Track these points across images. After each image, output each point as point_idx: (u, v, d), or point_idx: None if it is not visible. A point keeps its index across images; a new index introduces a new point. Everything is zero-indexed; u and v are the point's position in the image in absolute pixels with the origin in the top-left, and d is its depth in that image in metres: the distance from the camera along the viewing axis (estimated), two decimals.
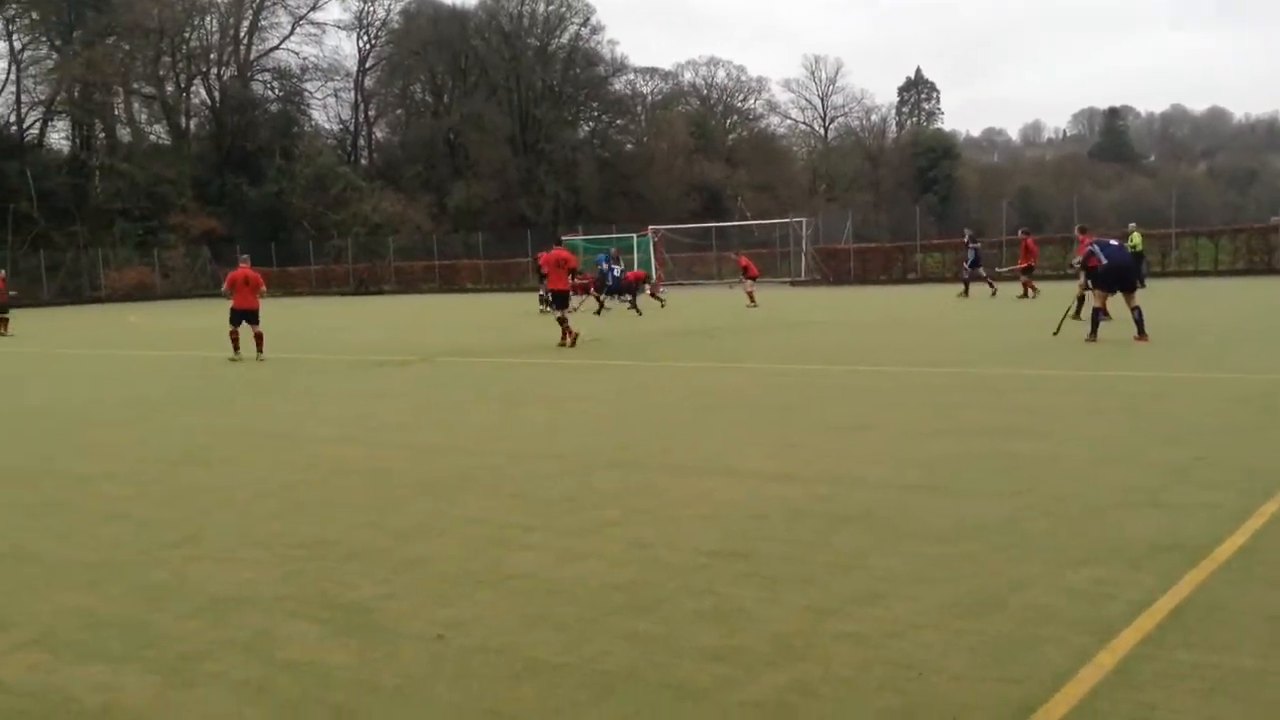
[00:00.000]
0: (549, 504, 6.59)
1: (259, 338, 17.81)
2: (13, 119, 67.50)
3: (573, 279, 19.24)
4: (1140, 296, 15.67)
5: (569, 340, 17.97)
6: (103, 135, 71.08)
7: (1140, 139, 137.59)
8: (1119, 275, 15.40)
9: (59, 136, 72.21)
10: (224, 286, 18.46)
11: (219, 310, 20.09)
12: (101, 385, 15.44)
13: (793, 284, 47.13)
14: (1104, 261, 15.42)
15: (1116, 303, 15.55)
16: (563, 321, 18.32)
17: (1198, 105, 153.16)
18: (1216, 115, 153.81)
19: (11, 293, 32.19)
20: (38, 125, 69.24)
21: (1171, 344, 15.04)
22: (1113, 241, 15.98)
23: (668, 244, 49.47)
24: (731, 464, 7.67)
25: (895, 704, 3.53)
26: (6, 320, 29.43)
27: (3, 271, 32.20)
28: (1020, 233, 33.04)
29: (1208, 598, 4.38)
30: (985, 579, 4.76)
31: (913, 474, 7.07)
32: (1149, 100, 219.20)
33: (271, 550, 5.75)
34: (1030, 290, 28.58)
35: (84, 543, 6.15)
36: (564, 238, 46.50)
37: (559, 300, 18.66)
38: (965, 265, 32.17)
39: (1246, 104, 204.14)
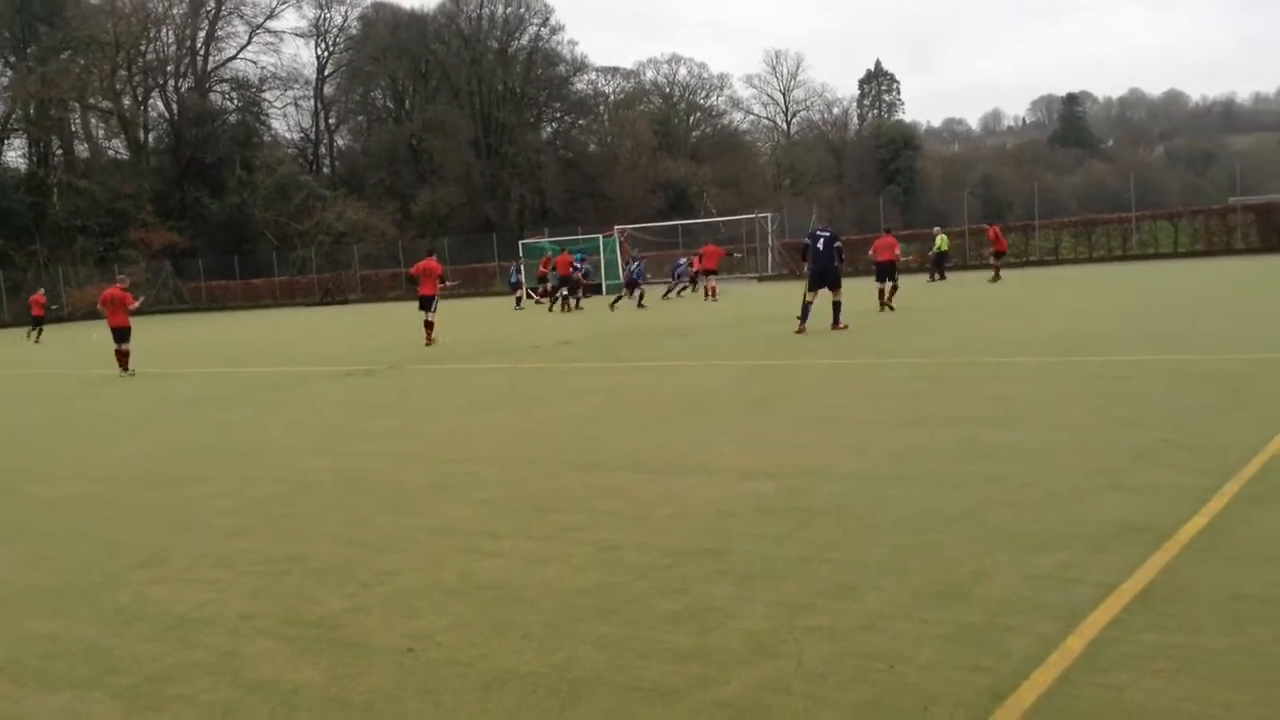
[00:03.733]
0: (518, 510, 6.56)
1: (124, 355, 18.85)
2: None
3: (442, 285, 22.41)
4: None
5: (430, 341, 20.84)
6: (60, 152, 70.37)
7: (1098, 124, 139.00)
8: (822, 276, 17.84)
9: (15, 155, 71.66)
10: (99, 305, 20.26)
11: (182, 326, 19.97)
12: (64, 405, 15.25)
13: (760, 279, 47.23)
14: (813, 263, 18.02)
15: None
16: (429, 325, 21.20)
17: (1155, 89, 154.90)
18: (1173, 98, 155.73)
19: (53, 307, 39.88)
20: None
21: (1134, 326, 15.20)
22: (819, 242, 18.09)
23: (634, 243, 49.46)
24: (702, 461, 7.66)
25: (867, 696, 3.53)
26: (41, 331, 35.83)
27: (41, 290, 39.41)
28: (987, 224, 38.07)
29: (1174, 579, 4.41)
30: (954, 568, 4.78)
31: (881, 465, 7.09)
32: (1106, 85, 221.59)
33: (237, 568, 5.69)
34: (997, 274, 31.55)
35: (49, 567, 6.05)
36: (527, 240, 46.56)
37: (424, 303, 21.47)
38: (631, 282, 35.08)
39: (1203, 86, 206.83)
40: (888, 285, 21.90)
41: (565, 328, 23.91)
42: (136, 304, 19.31)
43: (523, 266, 39.91)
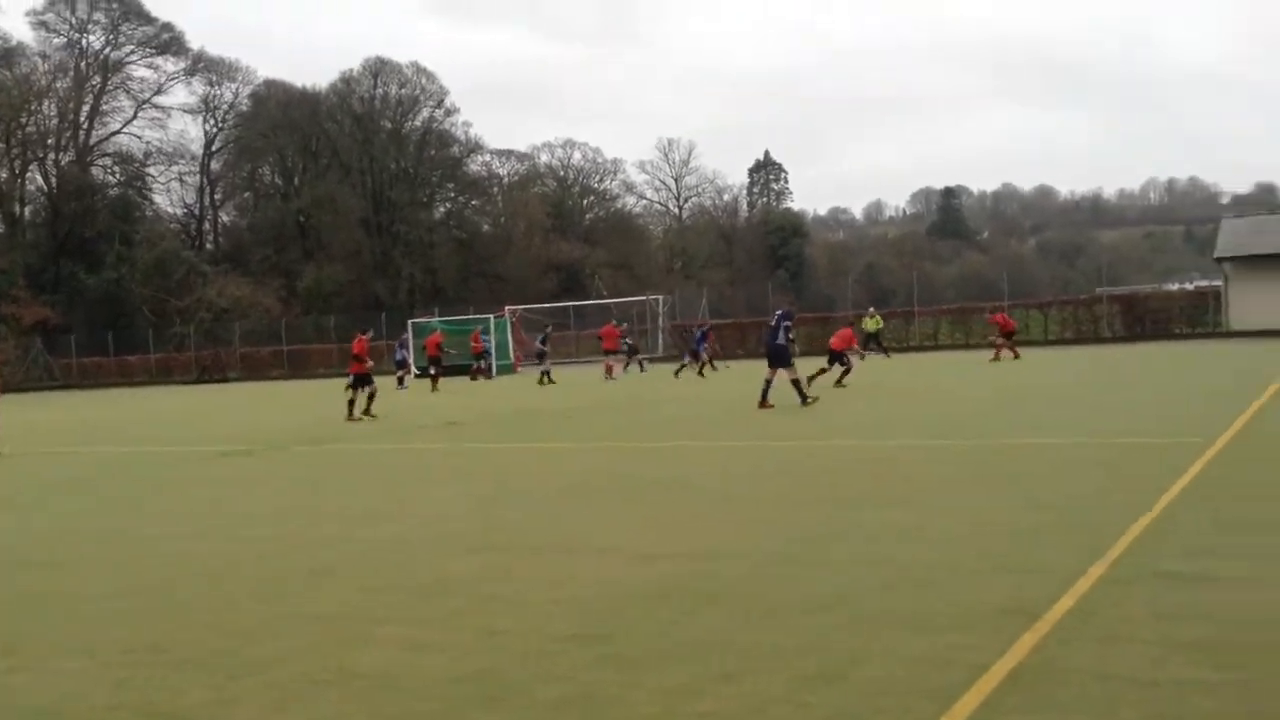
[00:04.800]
0: (401, 595, 6.41)
1: None
2: None
3: (359, 363, 22.00)
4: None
5: (354, 416, 21.02)
6: None
7: (974, 216, 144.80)
8: (768, 354, 18.65)
9: None
10: None
11: (53, 404, 19.17)
12: None
13: (650, 360, 47.58)
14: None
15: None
16: (353, 403, 21.33)
17: (1026, 184, 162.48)
18: (1044, 193, 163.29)
19: None
20: None
21: (1019, 411, 15.73)
22: (774, 321, 19.04)
23: (526, 324, 49.50)
24: (593, 544, 7.62)
25: None
26: None
27: None
28: (990, 311, 39.70)
29: (1043, 659, 4.52)
30: (838, 651, 4.82)
31: (773, 547, 7.15)
32: (981, 179, 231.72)
33: (98, 658, 5.41)
34: (1001, 354, 30.94)
35: None
36: (416, 320, 46.20)
37: (358, 382, 21.54)
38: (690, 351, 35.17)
39: (1071, 181, 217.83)
40: (833, 367, 22.96)
41: (452, 408, 23.66)
42: None
43: (410, 344, 39.65)
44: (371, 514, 9.70)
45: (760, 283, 69.30)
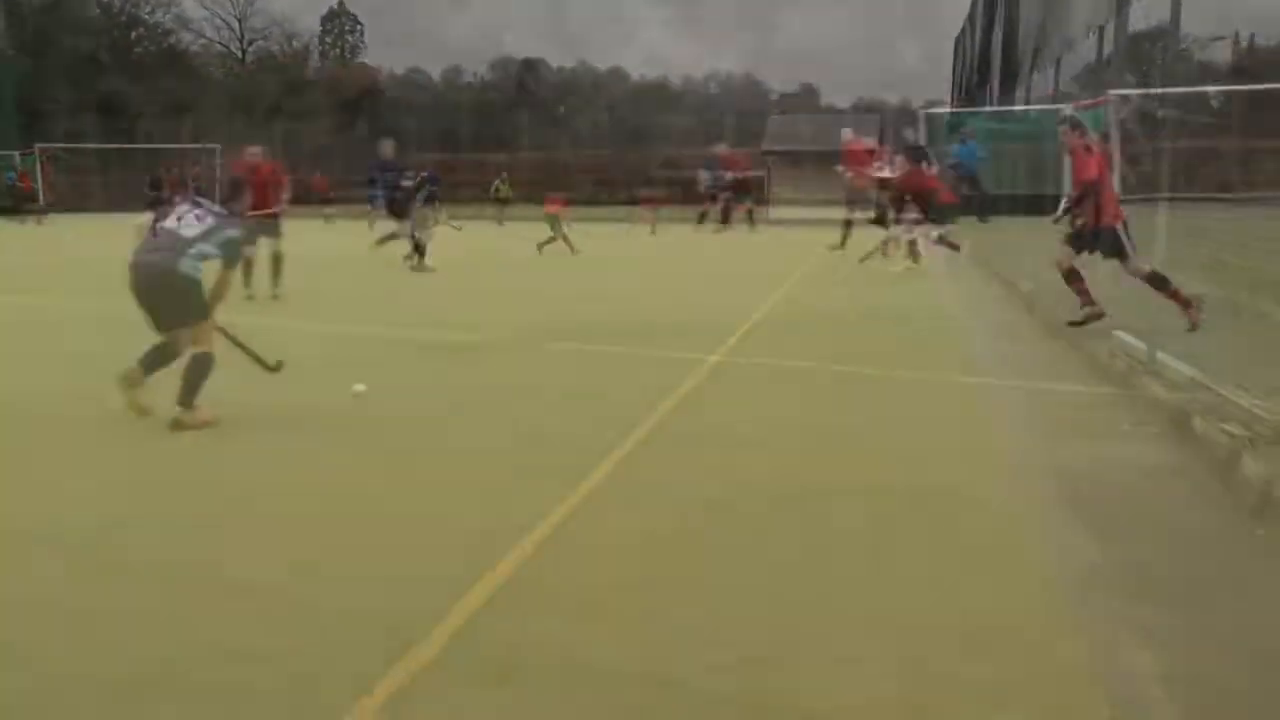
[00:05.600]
0: None
1: None
2: None
3: None
4: None
5: None
6: None
7: (552, 90, 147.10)
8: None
9: None
10: None
11: None
12: None
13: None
14: None
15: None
16: None
17: (601, 63, 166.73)
18: (617, 74, 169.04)
19: None
20: None
21: (606, 286, 16.33)
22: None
23: (60, 165, 44.25)
24: None
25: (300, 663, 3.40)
26: None
27: None
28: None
29: (581, 519, 4.76)
30: (382, 528, 4.79)
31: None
32: (559, 55, 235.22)
33: None
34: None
35: None
36: None
37: None
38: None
39: (642, 66, 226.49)
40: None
41: None
42: None
43: None
44: None
45: (331, 137, 66.43)
